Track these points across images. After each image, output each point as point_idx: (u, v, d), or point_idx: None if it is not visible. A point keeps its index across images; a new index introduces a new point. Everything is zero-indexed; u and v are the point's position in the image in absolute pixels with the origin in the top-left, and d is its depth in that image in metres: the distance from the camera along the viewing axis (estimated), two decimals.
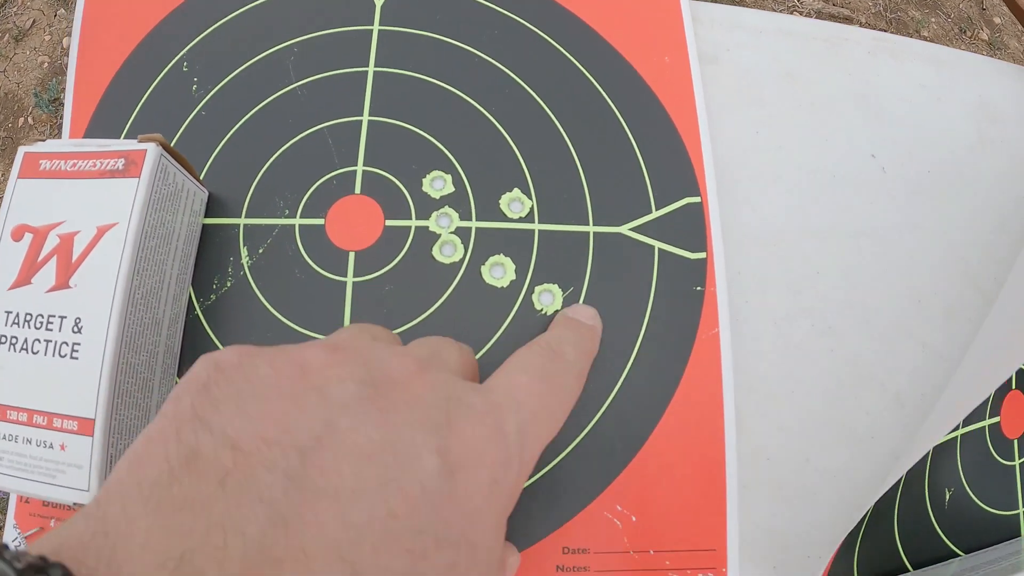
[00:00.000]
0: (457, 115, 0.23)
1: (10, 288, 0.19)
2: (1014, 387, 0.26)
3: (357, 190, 0.23)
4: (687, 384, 0.21)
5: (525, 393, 0.15)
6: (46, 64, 0.95)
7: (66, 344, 0.18)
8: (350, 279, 0.22)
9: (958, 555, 0.24)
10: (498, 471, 0.13)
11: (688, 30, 0.25)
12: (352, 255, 0.22)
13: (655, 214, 0.22)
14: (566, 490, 0.20)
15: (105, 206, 0.19)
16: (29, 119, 0.92)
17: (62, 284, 0.18)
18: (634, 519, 0.20)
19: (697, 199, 0.22)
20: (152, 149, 0.19)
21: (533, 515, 0.20)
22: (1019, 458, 0.26)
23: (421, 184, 0.23)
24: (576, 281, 0.22)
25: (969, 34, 1.02)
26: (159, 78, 0.24)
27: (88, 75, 0.24)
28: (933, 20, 1.03)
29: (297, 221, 0.22)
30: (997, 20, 1.02)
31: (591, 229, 0.22)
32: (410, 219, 0.22)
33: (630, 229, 0.22)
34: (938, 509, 0.24)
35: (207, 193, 0.22)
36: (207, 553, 0.10)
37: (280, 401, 0.12)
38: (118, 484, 0.11)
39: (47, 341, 0.18)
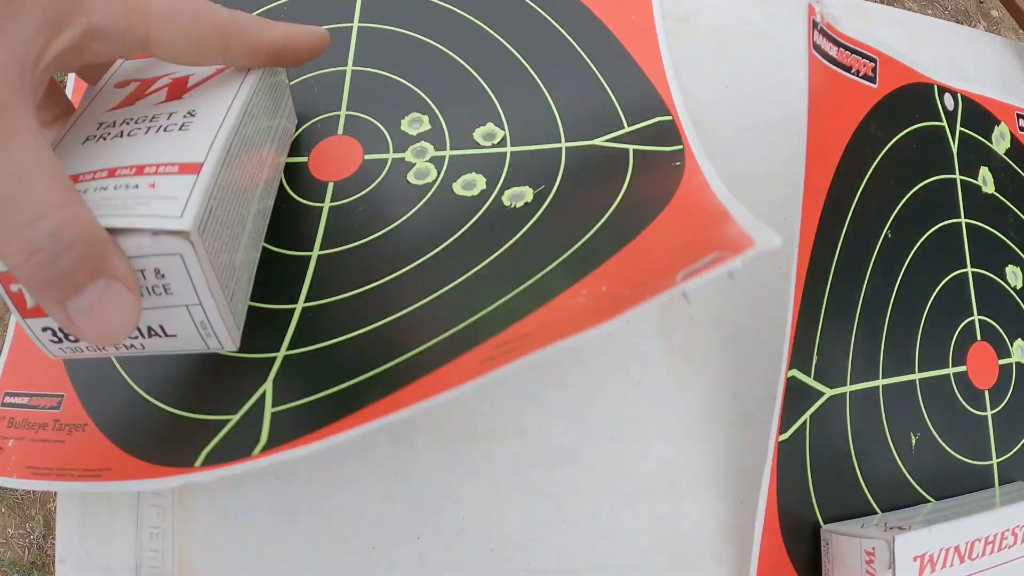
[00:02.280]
0: (435, 64, 0.25)
1: (110, 110, 0.17)
2: (979, 338, 0.27)
3: (340, 131, 0.25)
4: (675, 205, 0.20)
5: None
6: None
7: (173, 125, 0.16)
8: (327, 204, 0.23)
9: (929, 502, 0.25)
10: None
11: None
12: (331, 185, 0.24)
13: (627, 128, 0.24)
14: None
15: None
16: None
17: (175, 98, 0.18)
18: (604, 288, 0.17)
19: (668, 117, 0.24)
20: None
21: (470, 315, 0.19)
22: (991, 409, 0.27)
23: (400, 124, 0.25)
24: (548, 181, 0.23)
25: (965, 25, 1.04)
26: None
27: None
28: (929, 11, 1.06)
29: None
30: (995, 13, 1.05)
31: (563, 145, 0.24)
32: (388, 153, 0.24)
33: (603, 140, 0.24)
34: (904, 454, 0.25)
35: (296, 120, 0.24)
36: None
37: None
38: None
39: (148, 127, 0.16)
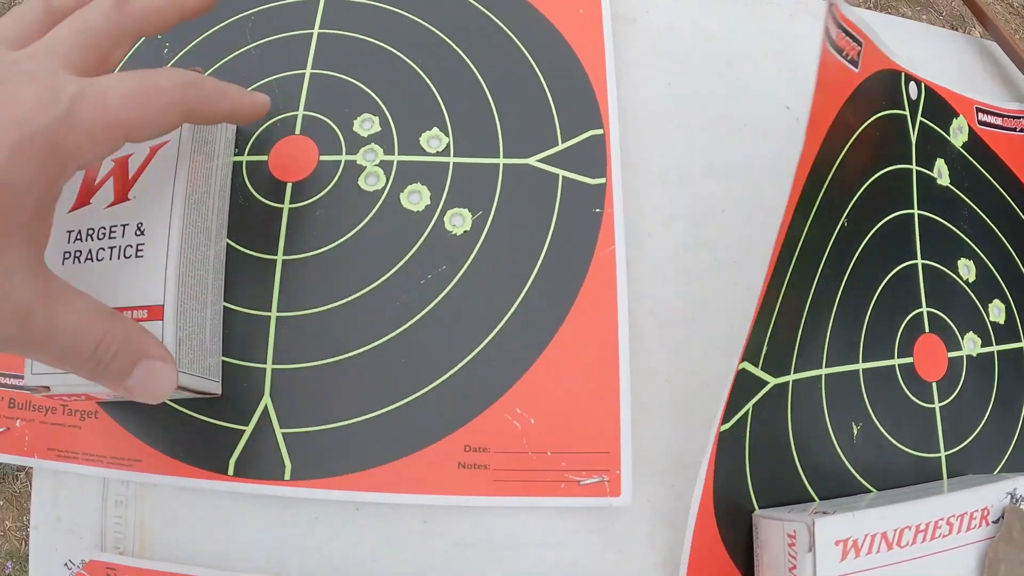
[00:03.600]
0: (387, 67, 0.27)
1: (70, 211, 0.21)
2: (928, 330, 0.27)
3: (297, 131, 0.26)
4: (584, 297, 0.24)
5: (107, 78, 0.18)
6: None
7: (130, 247, 0.20)
8: (287, 206, 0.25)
9: (872, 492, 0.25)
10: (32, 112, 0.16)
11: None
12: (289, 185, 0.26)
13: (560, 146, 0.25)
14: (468, 393, 0.23)
15: None
16: None
17: (121, 198, 0.21)
18: (532, 421, 0.23)
19: (600, 131, 0.25)
20: None
21: (437, 415, 0.23)
22: (939, 401, 0.27)
23: (352, 125, 0.26)
24: (485, 206, 0.25)
25: (961, 30, 1.02)
26: (136, 46, 0.29)
27: None
28: (924, 17, 1.04)
29: (244, 158, 0.26)
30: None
31: (501, 161, 0.25)
32: (341, 154, 0.26)
33: (537, 160, 0.25)
34: (845, 444, 0.25)
35: (235, 125, 0.26)
36: None
37: None
38: None
39: (111, 248, 0.20)
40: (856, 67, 0.25)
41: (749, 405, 0.24)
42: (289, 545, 0.24)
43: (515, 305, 0.24)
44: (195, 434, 0.24)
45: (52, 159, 0.17)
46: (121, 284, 0.20)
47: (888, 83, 0.28)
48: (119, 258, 0.20)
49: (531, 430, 0.23)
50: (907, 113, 0.29)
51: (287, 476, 0.23)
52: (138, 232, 0.21)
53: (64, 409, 0.25)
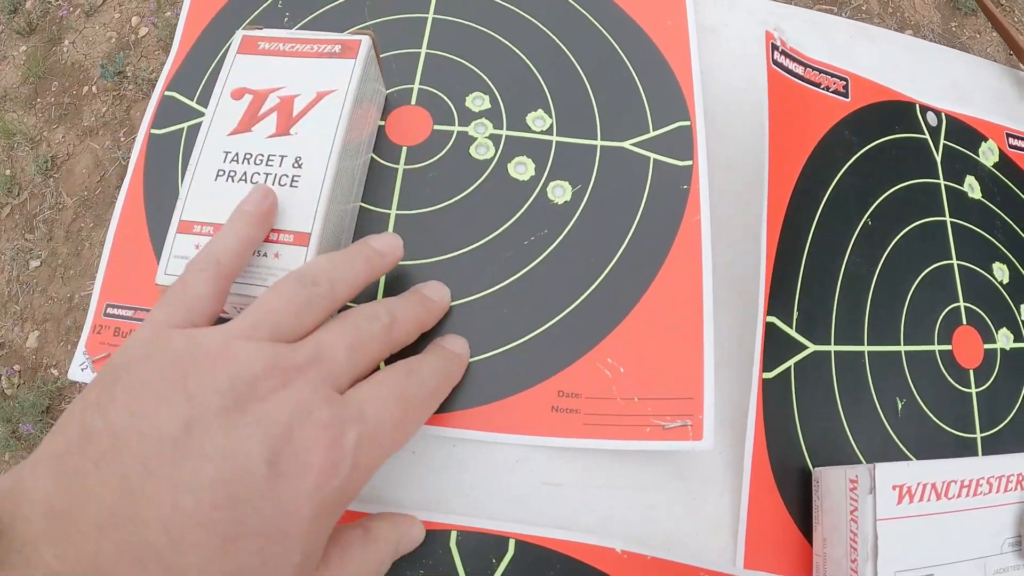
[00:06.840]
0: (496, 53, 0.31)
1: (230, 134, 0.23)
2: (964, 323, 0.32)
3: (413, 102, 0.30)
4: (672, 261, 0.27)
5: (374, 407, 0.20)
6: (114, 39, 1.09)
7: (286, 176, 0.23)
8: (401, 166, 0.29)
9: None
10: (323, 477, 0.18)
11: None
12: (404, 149, 0.29)
13: (652, 133, 0.30)
14: (564, 343, 0.27)
15: (323, 78, 0.24)
16: (93, 88, 1.05)
17: (283, 132, 0.23)
18: (622, 370, 0.26)
19: (687, 122, 0.30)
20: (366, 40, 0.25)
21: (534, 362, 0.27)
22: (976, 387, 0.31)
23: (464, 100, 0.30)
24: (584, 180, 0.29)
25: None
26: (256, 13, 0.33)
27: (198, 14, 0.33)
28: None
29: None
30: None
31: (599, 143, 0.30)
32: (454, 125, 0.30)
33: (631, 144, 0.30)
34: (891, 416, 0.29)
35: (386, 91, 0.29)
36: (77, 509, 0.16)
37: (158, 402, 0.17)
38: (38, 452, 0.17)
39: (267, 174, 0.23)
40: (846, 97, 0.32)
41: (791, 363, 0.28)
42: (387, 478, 0.26)
43: (609, 266, 0.28)
44: None
45: (339, 510, 0.19)
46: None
47: (898, 112, 0.34)
48: (274, 184, 0.23)
49: (620, 378, 0.26)
50: (927, 137, 0.34)
51: None
52: (296, 165, 0.23)
53: None
